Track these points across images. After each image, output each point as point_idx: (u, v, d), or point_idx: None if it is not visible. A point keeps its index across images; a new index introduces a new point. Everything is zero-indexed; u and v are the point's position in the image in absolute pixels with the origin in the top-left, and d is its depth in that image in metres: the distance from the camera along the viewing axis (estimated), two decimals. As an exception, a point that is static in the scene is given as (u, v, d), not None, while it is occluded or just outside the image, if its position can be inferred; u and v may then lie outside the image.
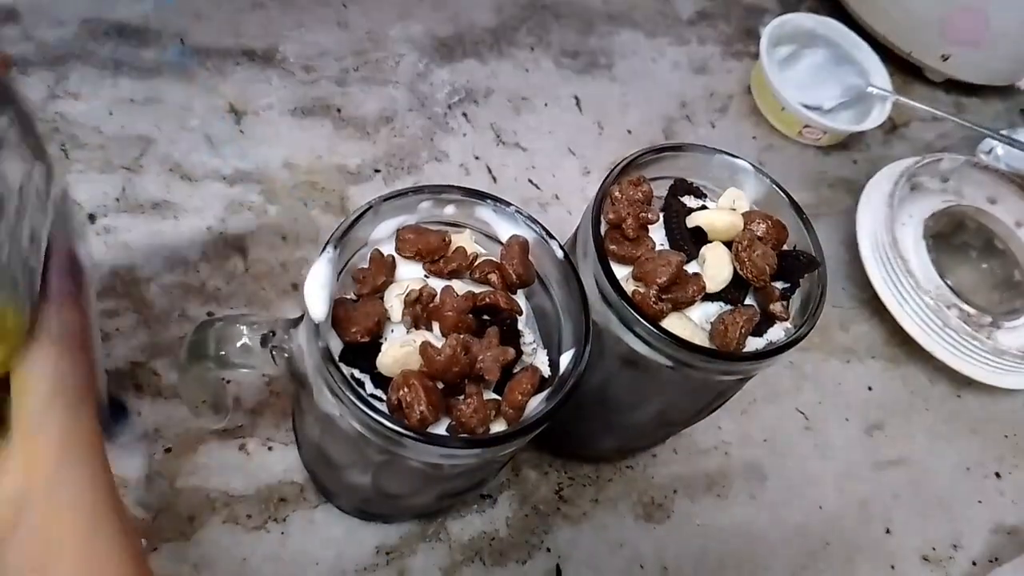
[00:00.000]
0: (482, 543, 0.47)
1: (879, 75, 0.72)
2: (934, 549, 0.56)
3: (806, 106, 0.68)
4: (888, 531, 0.55)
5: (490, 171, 0.61)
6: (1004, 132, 0.72)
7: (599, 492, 0.51)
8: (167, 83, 0.57)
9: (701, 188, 0.41)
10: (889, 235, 0.60)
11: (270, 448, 0.47)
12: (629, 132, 0.66)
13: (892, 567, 0.54)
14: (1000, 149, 0.72)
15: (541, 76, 0.67)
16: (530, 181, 0.61)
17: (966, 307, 0.61)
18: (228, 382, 0.38)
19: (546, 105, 0.65)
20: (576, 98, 0.67)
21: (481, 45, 0.67)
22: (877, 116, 0.70)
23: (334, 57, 0.62)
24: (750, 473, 0.55)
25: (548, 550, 0.48)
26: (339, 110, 0.59)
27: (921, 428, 0.60)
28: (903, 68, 0.78)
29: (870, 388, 0.61)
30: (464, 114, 0.63)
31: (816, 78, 0.71)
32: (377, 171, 0.58)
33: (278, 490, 0.46)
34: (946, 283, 0.62)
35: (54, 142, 0.52)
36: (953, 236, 0.66)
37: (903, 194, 0.64)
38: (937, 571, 0.55)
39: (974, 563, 0.56)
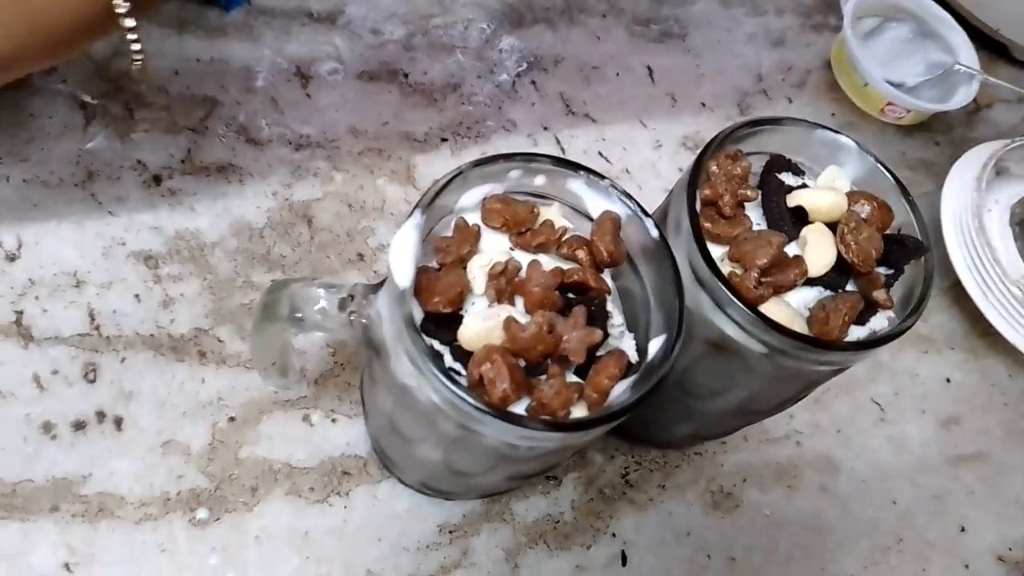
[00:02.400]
0: (546, 526, 0.46)
1: (966, 52, 0.68)
2: (1010, 549, 0.53)
3: (889, 83, 0.65)
4: (963, 529, 0.53)
5: (559, 142, 0.59)
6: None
7: (666, 478, 0.49)
8: (233, 43, 0.55)
9: (799, 165, 0.39)
10: (976, 221, 0.58)
11: (334, 420, 0.46)
12: (703, 105, 0.64)
13: (966, 566, 0.52)
14: (1089, 134, 0.69)
15: (613, 44, 0.64)
16: (600, 154, 0.59)
17: (1053, 299, 0.58)
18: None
19: (617, 75, 0.63)
20: (649, 68, 0.64)
21: (551, 11, 0.64)
22: (963, 96, 0.66)
23: (401, 21, 0.60)
24: (822, 464, 0.53)
25: (613, 535, 0.47)
26: (406, 75, 0.57)
27: (999, 423, 0.58)
28: (988, 45, 0.74)
29: (948, 380, 0.58)
30: (533, 82, 0.60)
31: (900, 54, 0.67)
32: (444, 140, 0.56)
33: (341, 463, 0.45)
34: (1033, 273, 0.59)
35: (118, 101, 0.51)
36: (1039, 224, 0.63)
37: (990, 178, 0.60)
38: (1013, 572, 0.53)
39: (1053, 565, 0.53)
